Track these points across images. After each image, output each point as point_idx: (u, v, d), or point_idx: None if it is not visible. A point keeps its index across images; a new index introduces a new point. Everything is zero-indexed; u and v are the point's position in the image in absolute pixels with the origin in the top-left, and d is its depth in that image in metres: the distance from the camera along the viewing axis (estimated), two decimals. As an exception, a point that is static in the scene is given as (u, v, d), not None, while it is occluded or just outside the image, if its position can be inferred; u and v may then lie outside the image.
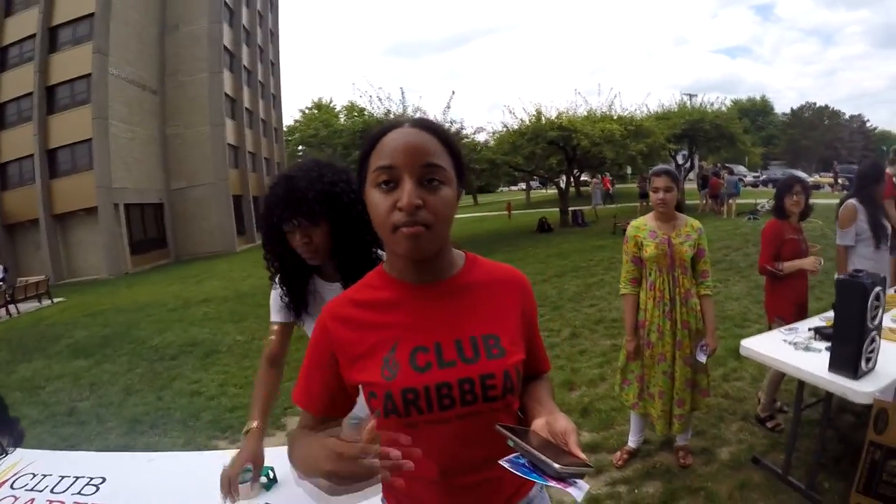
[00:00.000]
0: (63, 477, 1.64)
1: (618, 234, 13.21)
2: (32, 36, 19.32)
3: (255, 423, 1.55)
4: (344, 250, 1.48)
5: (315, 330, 0.99)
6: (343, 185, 1.43)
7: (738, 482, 2.69)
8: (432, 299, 0.94)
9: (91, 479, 1.63)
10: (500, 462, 0.77)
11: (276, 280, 1.66)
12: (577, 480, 0.71)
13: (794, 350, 2.61)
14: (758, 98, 59.34)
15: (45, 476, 1.66)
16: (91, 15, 19.08)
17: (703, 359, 2.75)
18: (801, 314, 3.14)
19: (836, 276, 3.48)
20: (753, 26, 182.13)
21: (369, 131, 0.94)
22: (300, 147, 45.30)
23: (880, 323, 2.22)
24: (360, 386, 0.94)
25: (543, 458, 0.72)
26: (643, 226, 2.80)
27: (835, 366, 2.23)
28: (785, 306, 3.20)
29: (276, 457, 1.66)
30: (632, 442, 3.06)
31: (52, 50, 19.60)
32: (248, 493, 1.44)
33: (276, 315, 1.78)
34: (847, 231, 3.34)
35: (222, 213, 23.85)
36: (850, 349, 2.17)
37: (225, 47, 25.26)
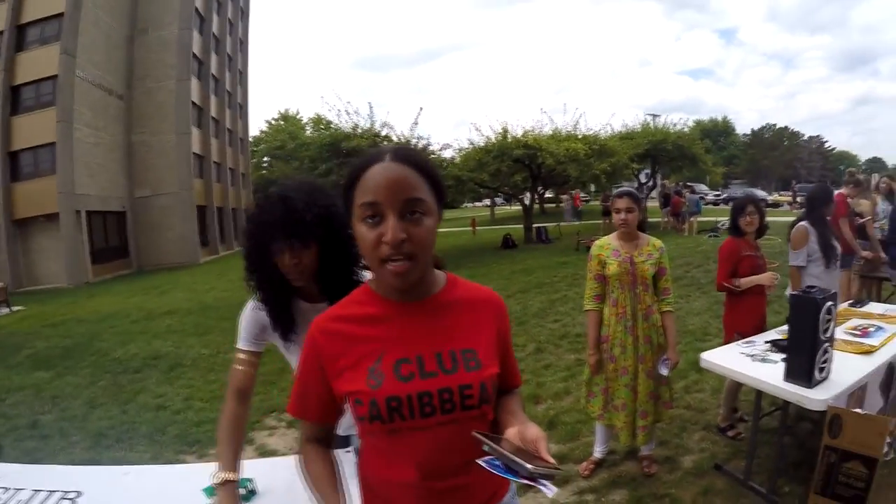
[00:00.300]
0: (36, 491, 1.60)
1: (581, 251, 13.43)
2: (0, 33, 18.66)
3: (229, 475, 1.42)
4: (329, 272, 1.49)
5: (305, 343, 1.05)
6: (335, 209, 1.44)
7: (701, 488, 2.80)
8: (415, 316, 1.01)
9: (66, 492, 1.59)
10: (478, 461, 0.83)
11: (257, 299, 1.60)
12: (546, 482, 0.78)
13: (751, 361, 2.75)
14: (719, 119, 61.53)
15: (17, 490, 1.61)
16: (60, 15, 18.55)
17: (665, 372, 2.86)
18: (759, 330, 3.28)
19: (788, 292, 3.67)
20: (717, 49, 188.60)
21: (352, 162, 1.00)
22: (265, 158, 44.98)
23: (832, 335, 2.37)
24: (345, 396, 1.00)
25: (517, 459, 0.79)
26: (607, 245, 2.91)
27: (790, 375, 2.37)
28: (743, 322, 3.34)
29: (256, 468, 1.67)
30: (597, 452, 3.14)
31: (19, 49, 18.96)
32: None
33: (246, 343, 1.67)
34: (799, 252, 3.49)
35: (186, 224, 23.31)
36: (804, 360, 2.31)
37: (194, 54, 24.84)
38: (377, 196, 0.90)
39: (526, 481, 0.78)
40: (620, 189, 2.94)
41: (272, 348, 5.98)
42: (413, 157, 0.96)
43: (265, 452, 3.71)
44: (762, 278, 3.24)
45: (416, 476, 0.97)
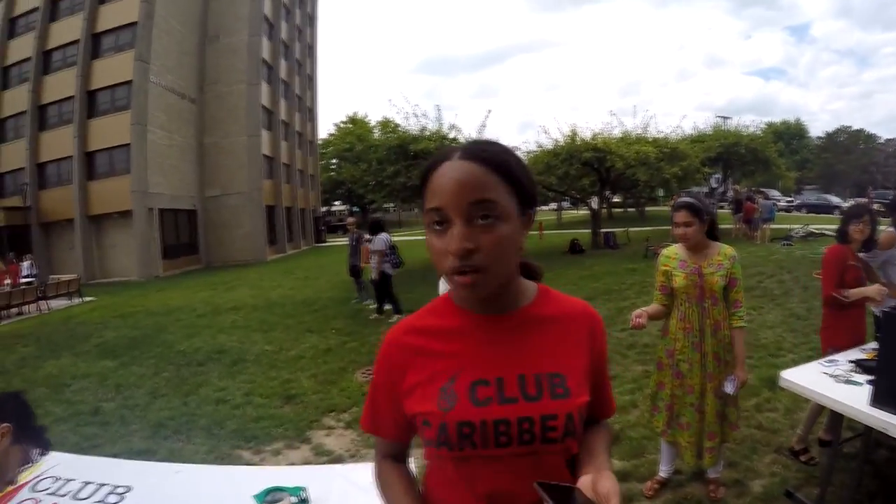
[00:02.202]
0: (87, 483, 1.62)
1: (650, 258, 12.96)
2: (76, 41, 20.06)
3: None
4: None
5: (379, 355, 0.98)
6: None
7: (771, 517, 2.59)
8: (498, 332, 0.91)
9: (115, 487, 1.60)
10: None
11: None
12: None
13: (834, 382, 2.52)
14: (792, 121, 58.32)
15: (68, 481, 1.63)
16: (134, 23, 19.77)
17: (731, 390, 2.65)
18: (856, 347, 2.97)
19: (873, 307, 3.37)
20: (787, 47, 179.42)
21: (424, 162, 0.90)
22: (333, 160, 46.21)
23: (927, 357, 2.13)
24: (414, 416, 0.92)
25: None
26: (673, 255, 2.75)
27: (878, 400, 2.15)
28: (842, 338, 3.05)
29: (309, 475, 1.64)
30: (662, 472, 2.98)
31: (95, 56, 20.34)
32: None
33: None
34: (883, 254, 3.28)
35: (255, 223, 24.27)
36: (894, 383, 2.09)
37: (263, 60, 25.87)
38: (441, 200, 0.80)
39: None
40: (679, 201, 2.73)
41: (333, 347, 6.04)
42: (486, 152, 0.83)
43: (321, 453, 3.73)
44: (870, 291, 2.93)
45: (487, 500, 0.88)
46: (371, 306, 8.56)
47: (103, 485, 1.61)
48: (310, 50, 36.16)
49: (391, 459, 1.03)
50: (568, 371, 0.90)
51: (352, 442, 3.87)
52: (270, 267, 20.18)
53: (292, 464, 3.53)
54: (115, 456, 2.75)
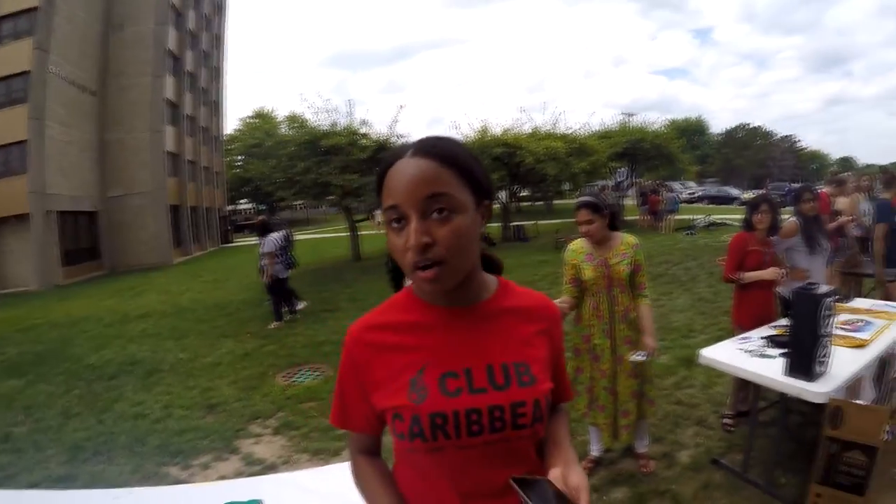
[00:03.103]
0: None
1: (559, 249, 13.45)
2: (-30, 27, 17.93)
3: None
4: None
5: (342, 354, 0.97)
6: None
7: (700, 483, 2.80)
8: (463, 324, 0.93)
9: None
10: None
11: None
12: None
13: (749, 357, 2.75)
14: (694, 118, 62.67)
15: None
16: (34, 9, 17.90)
17: (642, 357, 2.79)
18: (762, 324, 3.27)
19: (778, 289, 3.73)
20: (691, 49, 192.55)
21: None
22: (240, 156, 44.23)
23: (831, 330, 2.37)
24: (384, 411, 0.92)
25: None
26: (580, 249, 2.88)
27: (792, 370, 2.38)
28: (745, 316, 3.39)
29: (259, 488, 1.58)
30: (594, 451, 3.12)
31: None
32: None
33: None
34: (783, 241, 3.65)
35: (159, 224, 22.78)
36: (805, 354, 2.32)
37: (169, 50, 24.28)
38: (397, 198, 0.81)
39: None
40: (579, 200, 2.85)
41: (251, 351, 5.81)
42: (437, 147, 0.85)
43: (252, 462, 3.59)
44: (766, 273, 3.27)
45: (456, 497, 0.90)
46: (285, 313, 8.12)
47: None
48: (217, 40, 34.40)
49: (366, 455, 1.03)
50: (531, 360, 0.93)
51: (282, 448, 3.76)
52: (177, 270, 19.12)
53: (223, 477, 3.39)
54: (33, 486, 2.47)
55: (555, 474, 0.83)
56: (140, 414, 4.56)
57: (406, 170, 0.82)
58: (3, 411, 4.95)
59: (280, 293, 7.68)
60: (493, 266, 1.03)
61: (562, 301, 2.82)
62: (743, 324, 3.34)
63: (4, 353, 7.43)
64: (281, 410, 4.40)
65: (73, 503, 1.60)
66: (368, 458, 1.02)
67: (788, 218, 3.76)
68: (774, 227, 3.40)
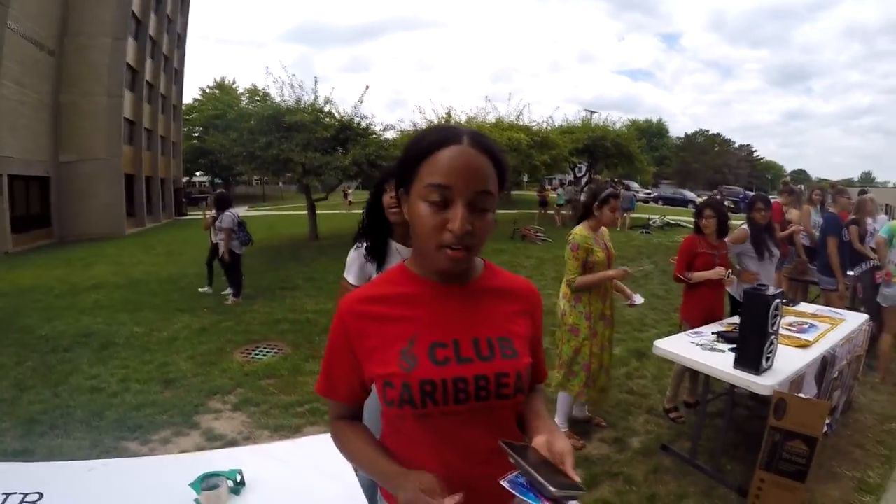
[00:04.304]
0: None
1: (516, 240, 13.71)
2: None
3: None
4: None
5: (333, 322, 1.01)
6: None
7: (651, 467, 2.99)
8: (452, 299, 0.99)
9: (25, 495, 1.42)
10: (501, 482, 0.81)
11: (361, 235, 2.07)
12: (570, 503, 0.76)
13: (700, 350, 2.94)
14: (654, 120, 63.92)
15: None
16: None
17: (640, 301, 3.59)
18: (708, 321, 3.50)
19: (728, 288, 3.95)
20: (658, 52, 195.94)
21: (424, 134, 0.93)
22: (198, 127, 42.66)
23: (778, 329, 2.56)
24: (375, 378, 0.97)
25: (541, 479, 0.77)
26: (587, 235, 3.19)
27: (740, 363, 2.56)
28: (691, 312, 3.62)
29: (238, 458, 1.61)
30: (562, 428, 3.30)
31: None
32: (218, 501, 1.37)
33: (354, 278, 2.10)
34: (734, 247, 3.89)
35: (113, 193, 21.77)
36: (753, 350, 2.50)
37: (132, 13, 23.11)
38: (450, 180, 0.86)
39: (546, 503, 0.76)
40: (613, 192, 3.25)
41: (208, 327, 5.72)
42: (489, 145, 0.92)
43: (213, 437, 3.58)
44: (710, 273, 3.47)
45: (441, 462, 0.95)
46: (225, 292, 7.97)
47: (9, 494, 1.42)
48: (182, 5, 32.95)
49: (345, 419, 1.08)
50: (514, 336, 1.01)
51: (242, 424, 3.77)
52: (129, 241, 18.37)
53: (184, 451, 3.37)
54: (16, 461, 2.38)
55: (539, 441, 0.87)
56: (96, 388, 4.44)
57: (466, 158, 0.87)
58: (-47, 383, 4.73)
59: (235, 269, 7.57)
60: None
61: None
62: (690, 319, 3.57)
63: (-50, 324, 7.05)
64: (240, 387, 4.39)
65: (46, 473, 1.56)
66: (349, 422, 1.08)
67: (741, 224, 3.97)
68: (723, 231, 3.60)
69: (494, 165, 0.91)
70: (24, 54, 18.24)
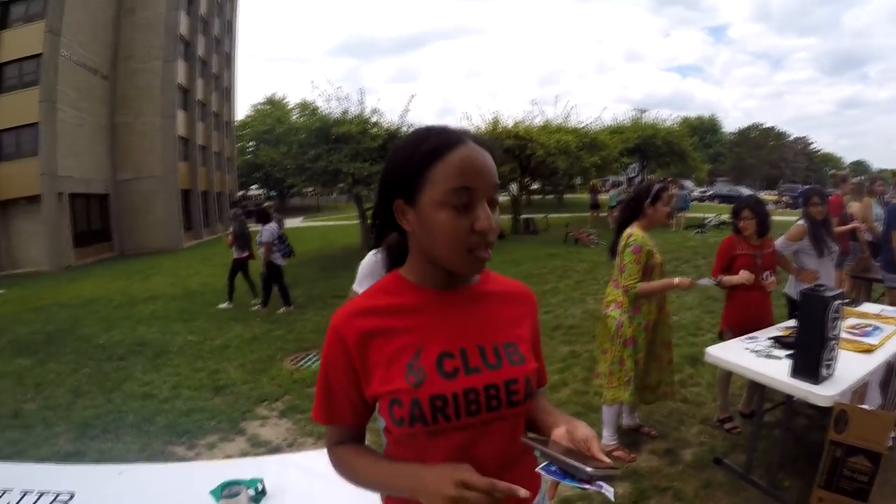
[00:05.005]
0: (26, 492, 1.50)
1: (569, 243, 13.48)
2: (-17, 10, 17.97)
3: None
4: None
5: (327, 340, 0.95)
6: None
7: (702, 481, 2.80)
8: (452, 306, 0.95)
9: (58, 494, 1.49)
10: (537, 470, 0.78)
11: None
12: (604, 484, 0.74)
13: (756, 357, 2.74)
14: (706, 116, 61.91)
15: (5, 491, 1.51)
16: None
17: (708, 282, 3.31)
18: (753, 327, 3.23)
19: (785, 289, 3.71)
20: (705, 47, 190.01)
21: (419, 139, 0.89)
22: (251, 142, 44.45)
23: (838, 333, 2.36)
24: (379, 397, 0.91)
25: (575, 463, 0.75)
26: (645, 237, 3.03)
27: (797, 372, 2.37)
28: (732, 317, 3.40)
29: (264, 467, 1.60)
30: (612, 440, 3.16)
31: (3, 26, 18.28)
32: None
33: (362, 287, 1.93)
34: (791, 244, 3.69)
35: (169, 208, 22.91)
36: (811, 357, 2.31)
37: (180, 35, 24.31)
38: (471, 181, 0.84)
39: (585, 485, 0.75)
40: (668, 189, 3.11)
41: (259, 335, 5.87)
42: (488, 141, 0.92)
43: (258, 444, 3.64)
44: (738, 279, 3.22)
45: None
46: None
47: (44, 493, 1.49)
48: (229, 26, 34.38)
49: (347, 443, 1.00)
50: (518, 340, 0.97)
51: (287, 431, 3.81)
52: (187, 254, 19.19)
53: (229, 456, 3.44)
54: (42, 461, 2.54)
55: (559, 433, 0.85)
56: (148, 394, 4.62)
57: (480, 158, 0.87)
58: (14, 388, 5.02)
59: (277, 280, 7.70)
60: None
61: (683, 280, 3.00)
62: (732, 326, 3.34)
63: (15, 333, 7.52)
64: (288, 394, 4.44)
65: (78, 476, 1.64)
66: (351, 444, 0.99)
67: (797, 220, 3.74)
68: (763, 231, 3.36)
69: (496, 162, 0.91)
70: (79, 80, 19.54)
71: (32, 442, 3.77)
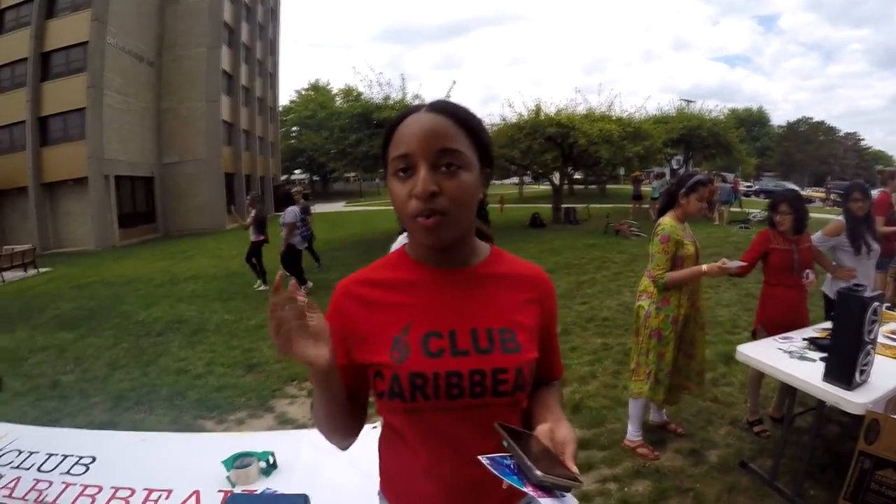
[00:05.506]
0: (51, 455, 1.59)
1: (610, 234, 13.24)
2: (30, 0, 18.80)
3: None
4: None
5: (330, 305, 0.96)
6: None
7: (726, 485, 2.72)
8: (451, 285, 0.92)
9: (80, 458, 1.57)
10: (480, 458, 0.74)
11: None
12: (561, 493, 0.69)
13: (789, 358, 2.64)
14: (754, 108, 59.56)
15: (31, 453, 1.60)
16: None
17: (736, 264, 2.96)
18: (789, 327, 3.11)
19: (823, 288, 3.56)
20: (755, 36, 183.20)
21: (389, 119, 0.90)
22: (295, 127, 45.19)
23: (875, 337, 2.25)
24: (366, 367, 0.91)
25: (528, 463, 0.70)
26: (676, 226, 2.97)
27: (830, 376, 2.26)
28: (765, 315, 3.30)
29: (276, 441, 1.64)
30: (638, 435, 3.11)
31: (50, 15, 19.11)
32: (247, 479, 1.41)
33: None
34: (828, 239, 3.59)
35: (213, 191, 23.57)
36: (846, 360, 2.20)
37: (224, 22, 24.84)
38: (408, 147, 0.83)
39: (531, 490, 0.68)
40: (704, 178, 3.04)
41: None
42: (452, 107, 0.88)
43: (285, 421, 3.73)
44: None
45: (434, 462, 0.89)
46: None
47: (67, 456, 1.58)
48: (272, 13, 34.86)
49: None
50: (518, 328, 0.92)
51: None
52: (230, 235, 19.56)
53: (256, 432, 3.53)
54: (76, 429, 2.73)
55: (542, 430, 0.80)
56: (183, 369, 4.78)
57: (421, 122, 0.84)
58: (54, 361, 5.27)
59: (295, 263, 7.77)
60: (483, 237, 1.03)
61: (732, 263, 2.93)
62: (766, 325, 3.23)
63: (59, 308, 7.89)
64: (318, 374, 4.55)
65: (100, 442, 1.72)
66: None
67: (836, 217, 3.60)
68: (800, 227, 3.22)
69: (461, 125, 0.86)
70: (125, 66, 20.28)
71: (68, 412, 3.95)
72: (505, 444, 0.76)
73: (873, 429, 2.10)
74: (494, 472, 0.71)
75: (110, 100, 19.22)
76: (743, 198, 21.20)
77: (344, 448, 1.00)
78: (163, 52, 23.11)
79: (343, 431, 0.96)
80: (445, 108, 0.87)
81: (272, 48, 35.00)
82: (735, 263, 2.93)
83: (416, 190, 0.81)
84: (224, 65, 24.76)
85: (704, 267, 2.92)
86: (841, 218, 3.53)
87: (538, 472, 0.67)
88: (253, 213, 8.34)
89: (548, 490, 0.68)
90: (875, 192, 4.45)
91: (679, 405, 3.45)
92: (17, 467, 1.54)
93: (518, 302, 0.95)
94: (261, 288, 8.36)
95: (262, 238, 8.37)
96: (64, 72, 19.07)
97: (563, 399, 1.08)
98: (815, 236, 3.50)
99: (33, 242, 15.88)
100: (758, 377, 3.28)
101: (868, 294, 2.17)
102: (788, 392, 2.77)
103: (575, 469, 0.73)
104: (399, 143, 0.84)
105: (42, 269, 12.95)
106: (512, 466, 0.73)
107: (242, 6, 27.69)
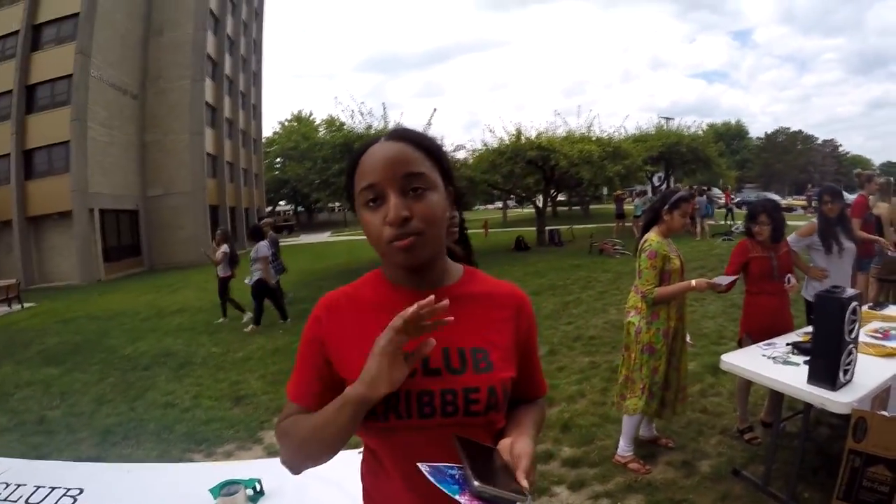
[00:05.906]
0: (38, 487, 1.58)
1: (594, 254, 13.35)
2: (15, 33, 18.86)
3: None
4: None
5: (309, 321, 0.97)
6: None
7: (719, 494, 2.72)
8: None
9: (68, 489, 1.56)
10: (420, 465, 0.74)
11: None
12: None
13: (773, 364, 2.68)
14: (733, 122, 60.87)
15: (18, 486, 1.59)
16: (76, 14, 18.73)
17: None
18: (774, 334, 3.16)
19: (802, 293, 3.63)
20: (731, 51, 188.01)
21: (353, 151, 0.94)
22: (278, 159, 45.35)
23: (857, 336, 2.29)
24: (342, 383, 0.91)
25: (470, 474, 0.69)
26: (661, 241, 3.03)
27: (814, 378, 2.30)
28: (749, 323, 3.34)
29: (263, 468, 1.63)
30: (628, 451, 3.11)
31: (35, 48, 19.18)
32: None
33: None
34: (801, 239, 3.72)
35: (198, 223, 23.42)
36: (828, 362, 2.24)
37: (208, 55, 25.03)
38: (374, 177, 0.85)
39: (465, 500, 0.67)
40: (688, 195, 3.11)
41: (281, 347, 5.94)
42: (410, 133, 0.92)
43: (274, 453, 3.66)
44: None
45: (410, 484, 0.88)
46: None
47: (55, 488, 1.56)
48: (255, 45, 35.28)
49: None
50: (491, 347, 0.92)
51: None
52: (216, 268, 19.58)
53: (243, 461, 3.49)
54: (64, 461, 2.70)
55: (503, 444, 0.82)
56: (170, 403, 4.71)
57: (383, 151, 0.87)
58: (40, 396, 5.18)
59: (266, 296, 7.80)
60: (456, 259, 1.05)
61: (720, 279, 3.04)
62: (752, 332, 3.27)
63: (44, 343, 7.78)
64: (307, 405, 4.51)
65: (88, 474, 1.70)
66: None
67: (811, 220, 3.72)
68: (777, 237, 3.28)
69: (421, 149, 0.89)
70: (108, 99, 20.30)
71: (55, 447, 3.88)
72: (459, 454, 0.76)
73: (861, 427, 2.13)
74: (432, 479, 0.71)
75: (94, 133, 19.19)
76: (736, 210, 21.54)
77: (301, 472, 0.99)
78: (147, 84, 23.19)
79: (326, 457, 0.93)
80: (404, 135, 0.91)
81: (255, 80, 35.30)
82: (725, 279, 3.02)
83: (390, 217, 0.83)
84: (208, 97, 24.88)
85: (693, 282, 2.98)
86: (814, 221, 3.66)
87: (476, 483, 0.67)
88: (224, 248, 8.29)
89: (487, 501, 0.67)
90: (851, 197, 4.57)
91: (668, 418, 3.46)
92: (5, 500, 1.54)
93: (492, 320, 0.96)
94: (245, 320, 8.29)
95: (229, 274, 8.37)
96: (48, 104, 19.08)
97: (542, 416, 1.07)
98: (790, 237, 3.59)
99: (18, 277, 15.63)
100: (745, 385, 3.31)
101: (846, 295, 2.22)
102: (776, 397, 2.80)
103: (524, 483, 0.73)
104: (364, 175, 0.87)
105: (27, 304, 12.76)
106: (457, 476, 0.73)
107: (225, 39, 27.99)
